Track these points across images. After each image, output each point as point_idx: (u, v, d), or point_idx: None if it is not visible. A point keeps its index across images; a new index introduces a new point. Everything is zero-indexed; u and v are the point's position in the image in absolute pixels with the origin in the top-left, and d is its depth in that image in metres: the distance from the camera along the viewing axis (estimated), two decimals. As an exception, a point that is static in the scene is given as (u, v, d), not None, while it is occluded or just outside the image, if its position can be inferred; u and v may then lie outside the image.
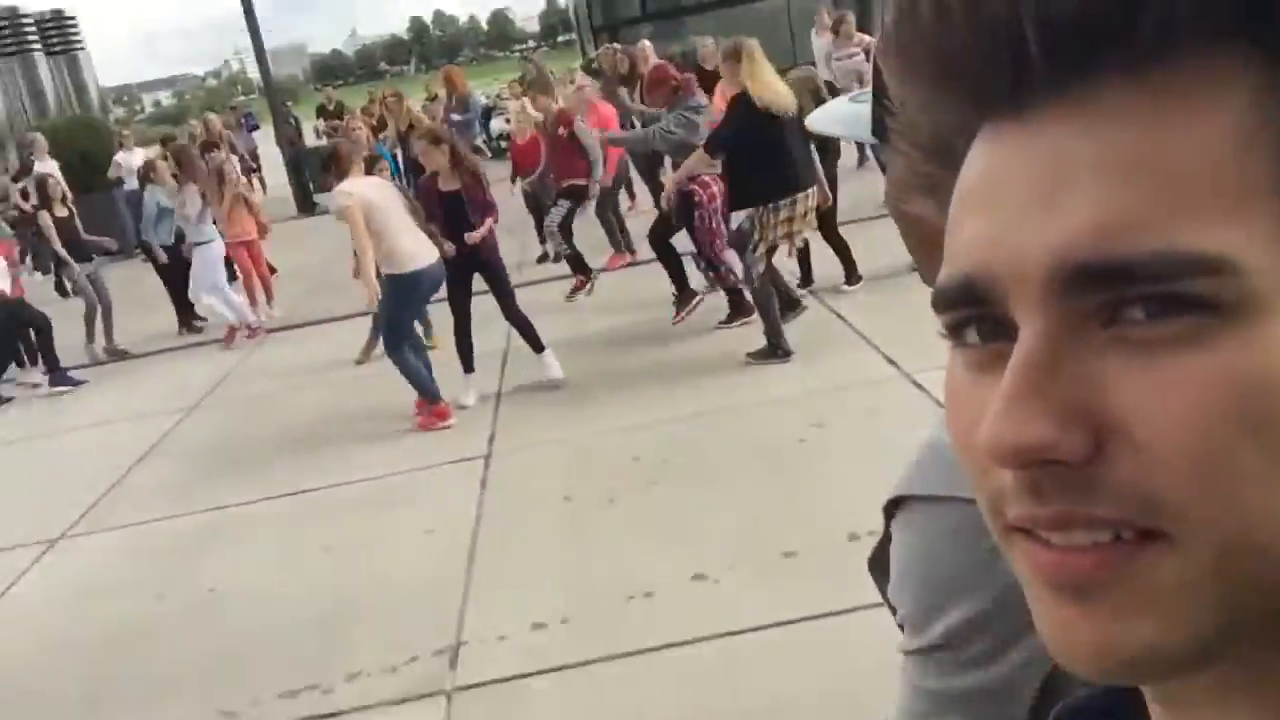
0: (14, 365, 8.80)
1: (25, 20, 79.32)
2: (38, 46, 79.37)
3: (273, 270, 9.82)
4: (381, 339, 6.28)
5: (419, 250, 5.72)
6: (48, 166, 10.79)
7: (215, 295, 8.69)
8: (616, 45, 11.46)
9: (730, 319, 6.79)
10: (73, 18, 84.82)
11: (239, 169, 10.25)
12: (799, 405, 5.33)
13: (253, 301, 9.25)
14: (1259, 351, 0.30)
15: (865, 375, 5.54)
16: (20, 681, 4.04)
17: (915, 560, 0.78)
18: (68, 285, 9.02)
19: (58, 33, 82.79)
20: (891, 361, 5.58)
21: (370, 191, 5.76)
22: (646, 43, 10.86)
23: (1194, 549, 0.31)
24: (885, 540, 0.84)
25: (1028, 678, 0.74)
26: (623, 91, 9.19)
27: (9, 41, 76.13)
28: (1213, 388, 0.30)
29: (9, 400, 8.39)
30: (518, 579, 4.15)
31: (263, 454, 6.13)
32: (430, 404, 5.96)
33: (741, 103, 5.67)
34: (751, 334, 6.27)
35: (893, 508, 0.81)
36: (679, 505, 4.49)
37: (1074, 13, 0.31)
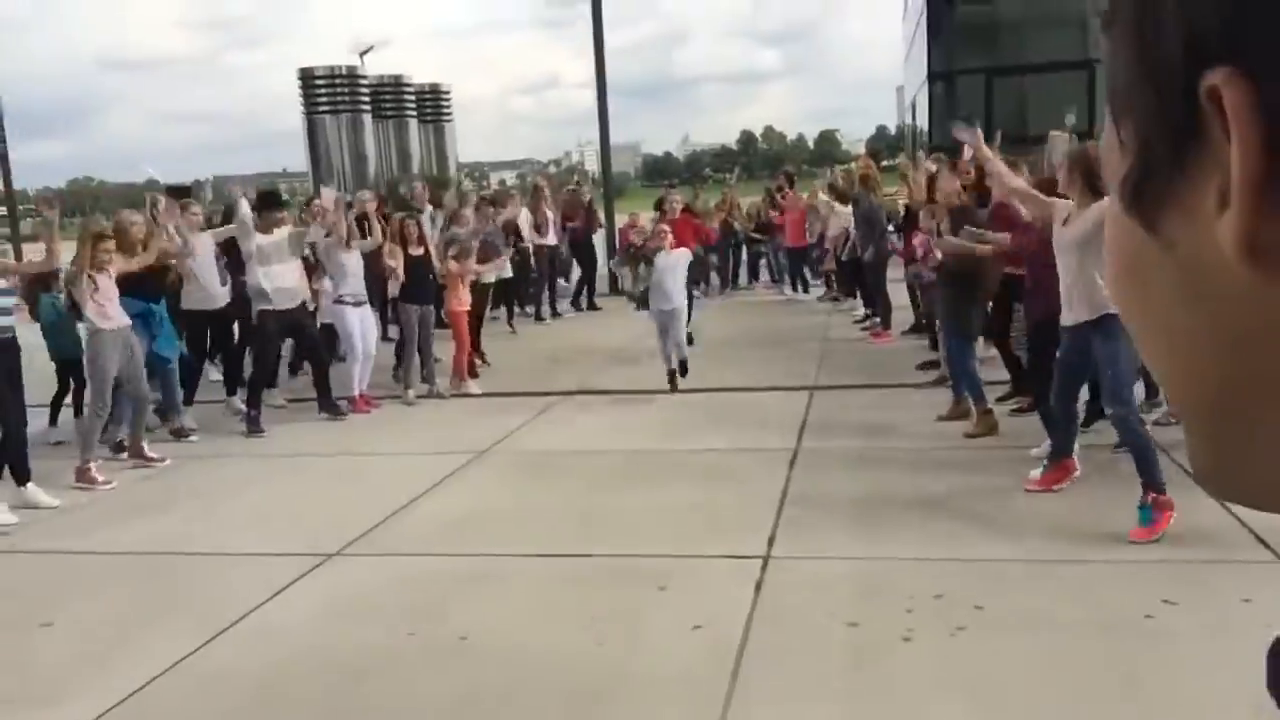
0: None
1: (407, 89, 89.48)
2: (413, 113, 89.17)
3: None
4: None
5: None
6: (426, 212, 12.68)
7: None
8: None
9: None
10: (448, 92, 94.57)
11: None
12: (1149, 572, 4.50)
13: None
14: None
15: (1233, 554, 4.60)
16: (262, 696, 3.91)
17: None
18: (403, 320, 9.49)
19: (432, 103, 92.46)
20: (1266, 544, 4.62)
21: None
22: None
23: None
24: None
25: None
26: None
27: (389, 106, 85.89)
28: None
29: (344, 416, 8.66)
30: (788, 704, 3.61)
31: (539, 511, 5.96)
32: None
33: None
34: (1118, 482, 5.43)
35: None
36: (991, 660, 3.80)
37: None
